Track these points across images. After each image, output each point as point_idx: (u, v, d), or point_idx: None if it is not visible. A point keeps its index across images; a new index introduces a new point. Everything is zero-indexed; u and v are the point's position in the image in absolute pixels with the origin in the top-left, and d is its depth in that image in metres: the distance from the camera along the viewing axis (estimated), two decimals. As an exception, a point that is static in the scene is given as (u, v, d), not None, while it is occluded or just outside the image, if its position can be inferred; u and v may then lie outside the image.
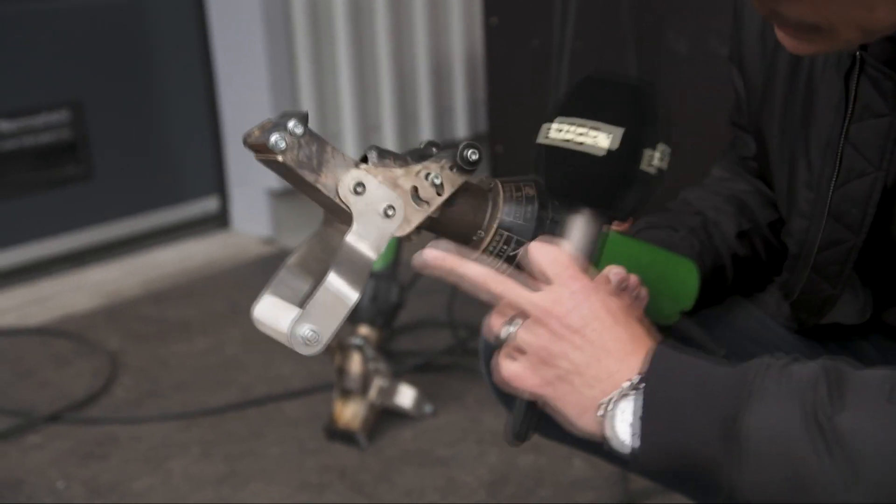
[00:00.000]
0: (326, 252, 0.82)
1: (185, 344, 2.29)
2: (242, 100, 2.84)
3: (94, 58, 2.70)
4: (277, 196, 2.88)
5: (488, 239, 0.83)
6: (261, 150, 0.78)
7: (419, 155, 0.84)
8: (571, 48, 2.12)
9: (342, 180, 0.78)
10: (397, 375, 1.95)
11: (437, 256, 0.79)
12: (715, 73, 2.01)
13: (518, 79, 2.39)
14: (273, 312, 0.82)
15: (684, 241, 1.00)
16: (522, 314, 0.77)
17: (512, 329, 0.77)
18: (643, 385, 0.74)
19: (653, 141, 0.78)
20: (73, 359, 2.23)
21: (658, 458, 0.74)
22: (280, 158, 0.76)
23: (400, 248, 2.06)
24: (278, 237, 2.90)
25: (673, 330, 0.96)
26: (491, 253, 0.84)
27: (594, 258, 0.81)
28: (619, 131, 0.77)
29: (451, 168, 0.81)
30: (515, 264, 0.81)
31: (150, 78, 2.82)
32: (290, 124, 0.76)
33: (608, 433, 0.74)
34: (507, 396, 1.14)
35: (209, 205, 2.97)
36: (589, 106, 0.79)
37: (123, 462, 1.83)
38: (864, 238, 0.91)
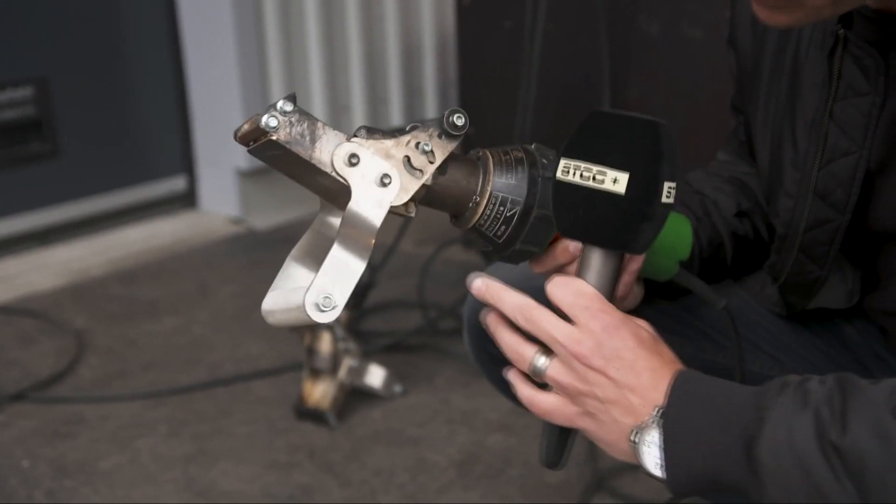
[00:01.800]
0: (326, 241, 0.82)
1: (153, 323, 2.27)
2: (211, 79, 2.81)
3: (59, 33, 2.65)
4: (246, 176, 2.86)
5: (484, 203, 0.84)
6: (252, 135, 0.79)
7: (406, 131, 0.85)
8: (544, 30, 2.12)
9: (336, 154, 0.79)
10: (367, 355, 1.95)
11: (479, 286, 0.82)
12: (687, 56, 2.03)
13: (490, 60, 2.39)
14: (283, 298, 0.83)
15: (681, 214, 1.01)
16: (549, 349, 0.80)
17: (540, 364, 0.80)
18: (663, 417, 0.76)
19: (669, 175, 0.78)
20: (39, 338, 2.21)
21: (687, 484, 0.76)
22: (273, 137, 0.77)
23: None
24: (246, 217, 2.88)
25: (673, 282, 0.96)
26: (489, 216, 0.85)
27: (615, 291, 0.82)
28: (637, 169, 0.77)
29: (439, 135, 0.82)
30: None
31: (118, 54, 2.78)
32: (280, 104, 0.77)
33: (640, 462, 0.77)
34: (495, 376, 1.14)
35: (177, 184, 2.94)
36: (604, 144, 0.78)
37: (90, 441, 1.81)
38: (849, 217, 0.91)
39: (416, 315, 2.21)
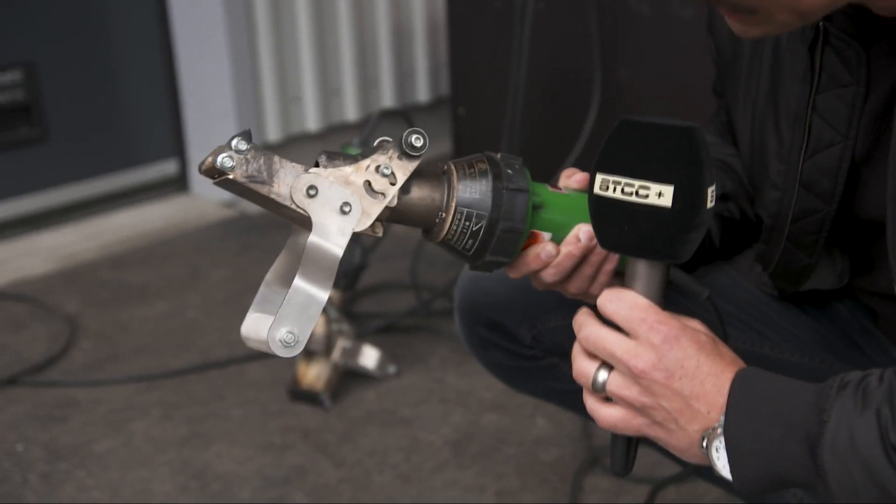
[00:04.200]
0: (298, 261, 0.83)
1: (145, 308, 2.26)
2: (201, 62, 2.79)
3: (47, 17, 2.64)
4: (237, 160, 2.85)
5: (449, 219, 0.85)
6: (214, 171, 0.80)
7: (371, 152, 0.85)
8: (533, 10, 2.11)
9: (294, 187, 0.79)
10: (361, 337, 1.95)
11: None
12: (677, 37, 2.02)
13: (480, 40, 2.38)
14: (256, 325, 0.84)
15: None
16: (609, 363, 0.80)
17: (601, 379, 0.80)
18: (724, 422, 0.76)
19: (710, 180, 0.77)
20: (30, 323, 2.20)
21: (756, 486, 0.77)
22: (231, 176, 0.78)
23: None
24: (238, 201, 2.87)
25: None
26: (455, 231, 0.85)
27: (665, 299, 0.82)
28: (681, 181, 0.75)
29: (399, 156, 0.82)
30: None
31: (106, 38, 2.77)
32: (234, 142, 0.78)
33: (713, 466, 0.78)
34: (485, 358, 1.14)
35: (168, 168, 2.93)
36: (642, 158, 0.77)
37: (83, 425, 1.81)
38: (836, 207, 0.92)
39: (410, 296, 2.21)
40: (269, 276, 0.87)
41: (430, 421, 1.79)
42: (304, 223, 0.82)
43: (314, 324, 0.80)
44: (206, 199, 2.91)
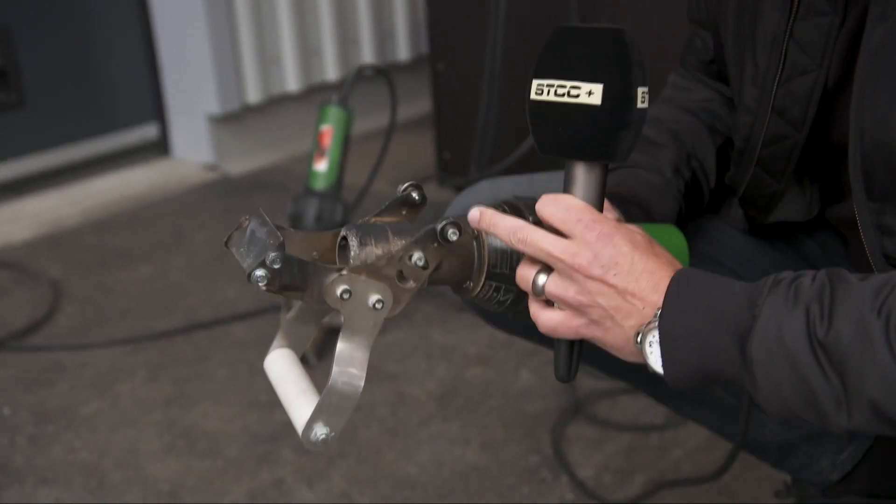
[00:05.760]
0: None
1: (129, 271, 2.26)
2: (178, 24, 2.77)
3: (21, -19, 2.61)
4: (218, 122, 2.84)
5: (478, 289, 0.86)
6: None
7: (398, 206, 0.86)
8: (512, -37, 2.10)
9: (328, 292, 0.81)
10: (344, 295, 1.95)
11: (474, 215, 0.83)
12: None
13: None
14: (286, 394, 0.88)
15: (671, 185, 1.02)
16: (549, 266, 0.81)
17: (540, 282, 0.82)
18: (659, 316, 0.77)
19: (640, 80, 0.78)
20: (14, 288, 2.20)
21: (685, 380, 0.78)
22: (264, 289, 0.80)
23: (343, 169, 2.05)
24: (220, 163, 2.86)
25: None
26: (484, 297, 0.87)
27: (602, 203, 0.83)
28: (610, 78, 0.77)
29: (433, 244, 0.83)
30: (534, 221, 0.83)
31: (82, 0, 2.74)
32: (269, 259, 0.79)
33: (646, 361, 0.79)
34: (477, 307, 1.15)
35: (148, 132, 2.92)
36: (573, 60, 0.79)
37: (70, 388, 1.81)
38: (806, 135, 0.93)
39: (393, 254, 2.21)
40: (290, 315, 0.91)
41: (415, 376, 1.81)
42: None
43: (348, 415, 0.83)
44: (187, 162, 2.90)
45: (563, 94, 0.79)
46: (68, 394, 1.79)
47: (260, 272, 0.79)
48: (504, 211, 0.85)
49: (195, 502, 1.50)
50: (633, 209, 0.96)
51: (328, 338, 1.88)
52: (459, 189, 0.89)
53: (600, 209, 0.82)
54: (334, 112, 2.02)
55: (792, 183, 0.99)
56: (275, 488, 1.53)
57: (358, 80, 2.08)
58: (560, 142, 0.80)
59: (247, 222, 0.84)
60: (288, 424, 1.66)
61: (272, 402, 1.74)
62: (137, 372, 1.86)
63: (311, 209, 1.99)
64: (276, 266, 0.79)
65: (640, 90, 0.79)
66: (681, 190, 1.02)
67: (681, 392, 1.08)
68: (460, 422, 1.66)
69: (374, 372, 1.82)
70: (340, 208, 1.99)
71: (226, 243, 0.84)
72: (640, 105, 0.79)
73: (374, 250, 0.82)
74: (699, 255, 1.02)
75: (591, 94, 0.78)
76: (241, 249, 0.83)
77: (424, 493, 1.50)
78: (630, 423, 1.62)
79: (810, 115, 0.91)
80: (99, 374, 1.85)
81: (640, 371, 0.82)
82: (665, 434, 1.60)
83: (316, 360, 1.83)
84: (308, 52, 2.93)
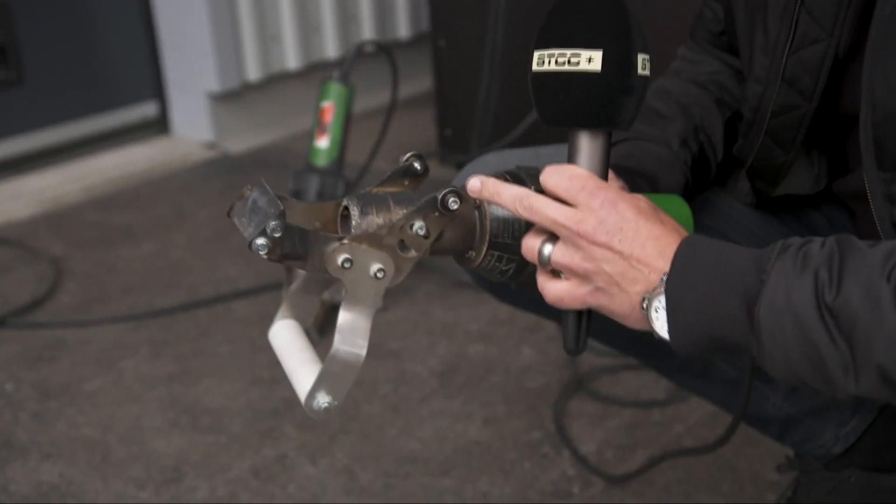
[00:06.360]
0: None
1: (131, 249, 2.27)
2: (178, 2, 2.76)
3: (20, -43, 2.60)
4: (218, 99, 2.83)
5: (480, 258, 0.86)
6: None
7: (400, 176, 0.86)
8: (513, -61, 2.08)
9: (329, 260, 0.81)
10: (346, 272, 1.95)
11: (475, 185, 0.83)
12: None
13: (460, -28, 2.35)
14: (288, 361, 0.89)
15: (678, 158, 1.02)
16: (554, 235, 0.81)
17: (546, 251, 0.81)
18: (666, 281, 0.77)
19: (640, 47, 0.79)
20: (16, 265, 2.20)
21: (691, 345, 0.78)
22: (265, 257, 0.80)
23: (345, 145, 2.04)
24: (220, 141, 2.86)
25: None
26: (486, 266, 0.87)
27: (607, 172, 0.83)
28: (609, 45, 0.78)
29: (434, 213, 0.83)
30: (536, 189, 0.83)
31: (81, -22, 2.73)
32: (270, 228, 0.79)
33: (652, 328, 0.79)
34: (483, 280, 1.15)
35: (148, 109, 2.91)
36: (572, 29, 0.79)
37: (73, 364, 1.82)
38: (815, 105, 0.93)
39: (394, 232, 2.21)
40: (293, 287, 0.92)
41: (416, 352, 1.81)
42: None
43: (351, 384, 0.83)
44: (187, 140, 2.89)
45: (564, 63, 0.79)
46: (71, 370, 1.80)
47: (261, 241, 0.79)
48: (506, 180, 0.85)
49: (199, 477, 1.51)
50: (639, 181, 0.96)
51: (330, 314, 1.88)
52: (460, 166, 0.89)
53: (605, 179, 0.82)
54: (335, 88, 2.02)
55: (800, 154, 0.99)
56: (278, 463, 1.53)
57: (359, 55, 2.07)
58: (562, 111, 0.80)
59: (248, 192, 0.84)
60: (290, 400, 1.67)
61: (275, 379, 1.75)
62: (140, 348, 1.86)
63: (312, 185, 1.99)
64: (277, 234, 0.79)
65: (641, 57, 0.79)
66: (687, 163, 1.02)
67: (686, 365, 1.08)
68: (462, 398, 1.67)
69: (376, 349, 1.82)
70: (342, 184, 1.99)
71: (228, 213, 0.84)
72: (640, 72, 0.79)
73: (376, 219, 0.82)
74: (705, 228, 1.02)
75: (591, 60, 0.78)
76: (243, 219, 0.82)
77: (426, 468, 1.50)
78: (632, 399, 1.63)
79: (821, 85, 0.91)
80: (102, 351, 1.86)
81: (645, 343, 0.82)
82: (667, 409, 1.61)
83: (318, 336, 1.84)
84: (308, 30, 2.91)
